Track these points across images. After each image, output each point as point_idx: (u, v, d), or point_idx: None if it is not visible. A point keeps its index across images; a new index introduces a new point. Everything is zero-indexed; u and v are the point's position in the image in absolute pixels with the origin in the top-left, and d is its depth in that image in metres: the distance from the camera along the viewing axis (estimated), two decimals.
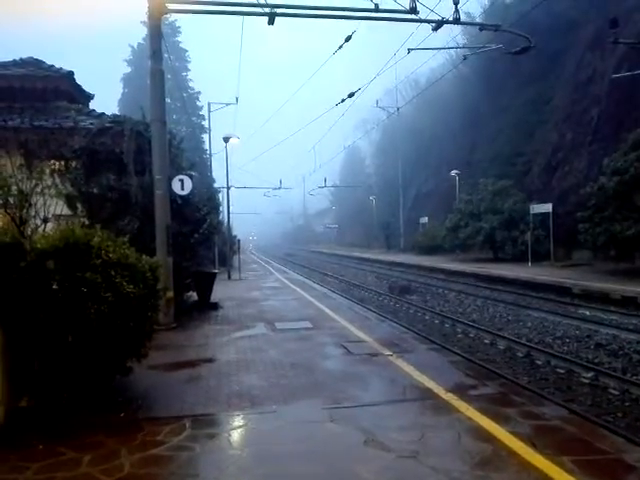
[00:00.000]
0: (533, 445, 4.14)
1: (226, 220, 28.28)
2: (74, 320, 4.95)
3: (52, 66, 13.37)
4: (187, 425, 4.82)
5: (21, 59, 13.54)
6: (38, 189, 7.21)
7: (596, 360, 9.30)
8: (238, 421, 5.02)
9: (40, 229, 6.70)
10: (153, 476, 3.91)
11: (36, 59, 13.64)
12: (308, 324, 10.27)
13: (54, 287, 4.95)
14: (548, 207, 24.51)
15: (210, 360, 7.48)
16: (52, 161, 9.60)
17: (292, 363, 7.09)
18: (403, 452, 4.13)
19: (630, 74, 19.72)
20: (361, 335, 9.04)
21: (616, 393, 7.49)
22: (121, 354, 5.47)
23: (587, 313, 13.67)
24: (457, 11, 11.52)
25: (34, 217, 6.80)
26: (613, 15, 17.00)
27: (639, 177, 17.51)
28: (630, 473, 3.75)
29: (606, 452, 4.08)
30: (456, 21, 11.71)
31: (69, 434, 4.66)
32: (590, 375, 8.19)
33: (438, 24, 11.58)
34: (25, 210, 6.65)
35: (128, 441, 4.47)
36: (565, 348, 10.32)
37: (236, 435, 4.71)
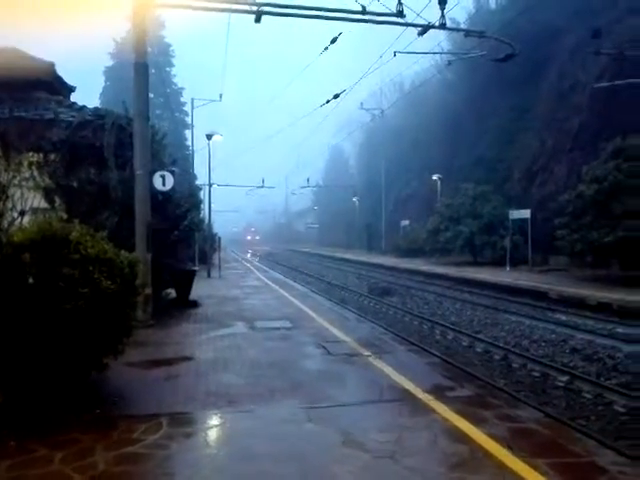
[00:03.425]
0: (509, 447, 4.19)
1: (207, 217, 28.10)
2: (50, 315, 4.85)
3: (33, 57, 13.10)
4: (164, 423, 4.77)
5: (0, 48, 13.24)
6: (16, 181, 7.10)
7: (571, 364, 9.45)
8: (215, 420, 4.99)
9: (17, 222, 6.58)
10: (128, 474, 3.86)
11: (16, 49, 13.35)
12: (288, 323, 10.24)
13: (30, 281, 4.86)
14: (527, 213, 24.87)
15: (188, 358, 7.41)
16: (31, 153, 9.42)
17: (271, 362, 7.06)
18: (380, 452, 4.15)
19: (610, 84, 20.11)
20: (340, 335, 9.05)
21: (590, 397, 7.62)
22: (97, 350, 5.38)
23: (563, 318, 13.89)
24: (443, 16, 11.64)
25: (11, 210, 6.68)
26: (596, 26, 17.30)
27: (617, 186, 17.84)
28: (602, 475, 3.82)
29: (579, 455, 4.15)
30: (442, 26, 11.82)
31: (42, 431, 4.57)
32: (565, 379, 8.33)
33: (424, 28, 11.68)
34: (2, 202, 6.53)
35: (103, 439, 4.40)
36: (541, 352, 10.47)
37: (213, 434, 4.67)
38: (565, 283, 18.47)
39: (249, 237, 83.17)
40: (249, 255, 56.78)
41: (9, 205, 6.68)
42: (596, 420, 6.79)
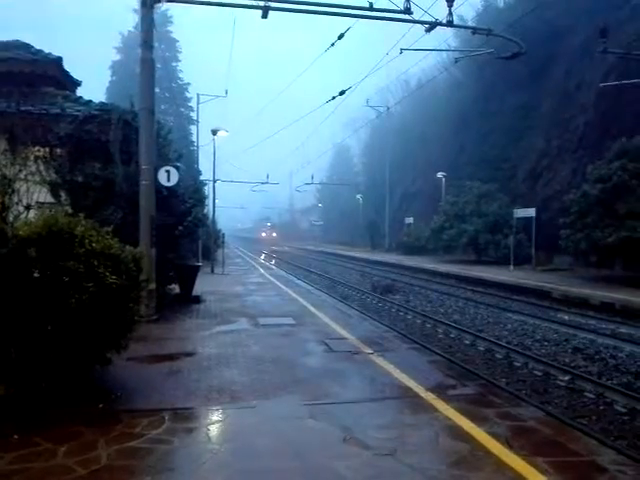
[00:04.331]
0: (509, 445, 4.21)
1: (211, 213, 28.11)
2: (54, 309, 4.89)
3: (40, 51, 13.12)
4: (166, 418, 4.80)
5: (8, 42, 13.27)
6: (22, 175, 7.11)
7: (573, 364, 9.44)
8: (217, 416, 5.02)
9: (22, 216, 6.60)
10: (130, 468, 3.88)
11: (24, 43, 13.38)
12: (291, 320, 10.27)
13: (35, 275, 4.89)
14: (531, 212, 24.82)
15: (191, 354, 7.45)
16: (37, 147, 9.45)
17: (273, 359, 7.09)
18: (381, 450, 4.17)
19: (617, 84, 20.01)
20: (343, 333, 9.07)
21: (591, 396, 7.62)
22: (101, 345, 5.42)
23: (566, 317, 13.87)
24: (450, 14, 11.62)
25: (17, 204, 6.69)
26: (603, 24, 17.20)
27: (621, 186, 17.80)
28: (602, 475, 3.83)
29: (580, 454, 4.16)
30: (449, 23, 11.81)
31: (45, 424, 4.61)
32: (567, 378, 8.32)
33: (431, 25, 11.66)
34: (8, 196, 6.55)
35: (106, 433, 4.43)
36: (543, 351, 10.46)
37: (215, 430, 4.70)
38: (568, 282, 18.43)
39: (264, 234, 67.88)
40: (262, 257, 45.54)
41: (15, 199, 6.69)
42: (597, 420, 6.79)
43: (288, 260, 41.49)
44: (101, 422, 4.70)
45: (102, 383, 5.68)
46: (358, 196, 61.67)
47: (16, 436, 4.34)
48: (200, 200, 16.63)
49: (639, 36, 21.87)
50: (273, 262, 38.19)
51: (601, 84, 22.34)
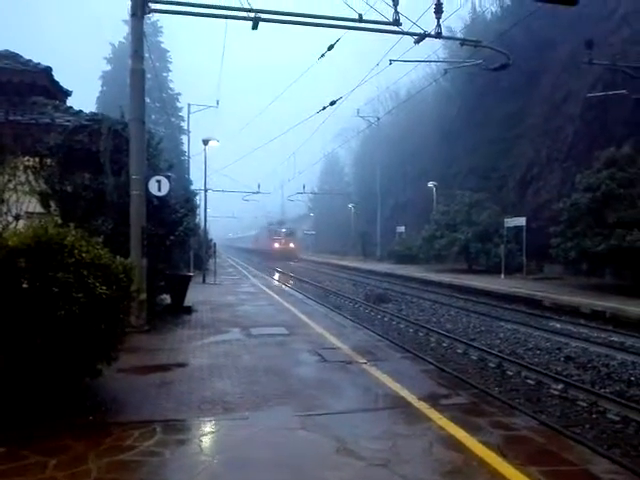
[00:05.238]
0: (503, 455, 4.19)
1: (203, 223, 28.03)
2: (44, 320, 4.83)
3: (29, 61, 13.08)
4: (157, 430, 4.74)
5: None
6: (11, 185, 7.07)
7: (565, 372, 9.46)
8: (210, 427, 4.96)
9: (12, 226, 6.55)
10: None
11: (12, 52, 13.34)
12: (283, 330, 10.22)
13: (24, 286, 4.83)
14: (522, 221, 25.00)
15: (182, 365, 7.38)
16: (26, 157, 9.40)
17: (266, 369, 7.04)
18: (374, 460, 4.14)
19: (603, 94, 20.30)
20: (336, 342, 9.04)
21: (584, 405, 7.63)
22: (91, 356, 5.35)
23: (558, 326, 13.92)
24: (439, 25, 11.74)
25: (6, 214, 6.65)
26: (589, 36, 17.46)
27: (610, 194, 17.99)
28: None
29: (573, 463, 4.16)
30: (438, 35, 11.93)
31: (34, 437, 4.53)
32: (560, 387, 8.34)
33: (420, 37, 11.78)
34: None
35: (96, 445, 4.37)
36: (536, 360, 10.48)
37: (207, 441, 4.65)
38: (559, 291, 18.52)
39: (277, 245, 53.30)
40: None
41: (4, 209, 6.65)
42: (590, 428, 6.79)
43: (280, 270, 41.39)
44: (91, 434, 4.63)
45: (92, 395, 5.61)
46: (350, 205, 61.80)
47: (4, 449, 4.26)
48: (191, 210, 16.57)
49: (624, 47, 22.22)
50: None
51: (588, 95, 22.65)
